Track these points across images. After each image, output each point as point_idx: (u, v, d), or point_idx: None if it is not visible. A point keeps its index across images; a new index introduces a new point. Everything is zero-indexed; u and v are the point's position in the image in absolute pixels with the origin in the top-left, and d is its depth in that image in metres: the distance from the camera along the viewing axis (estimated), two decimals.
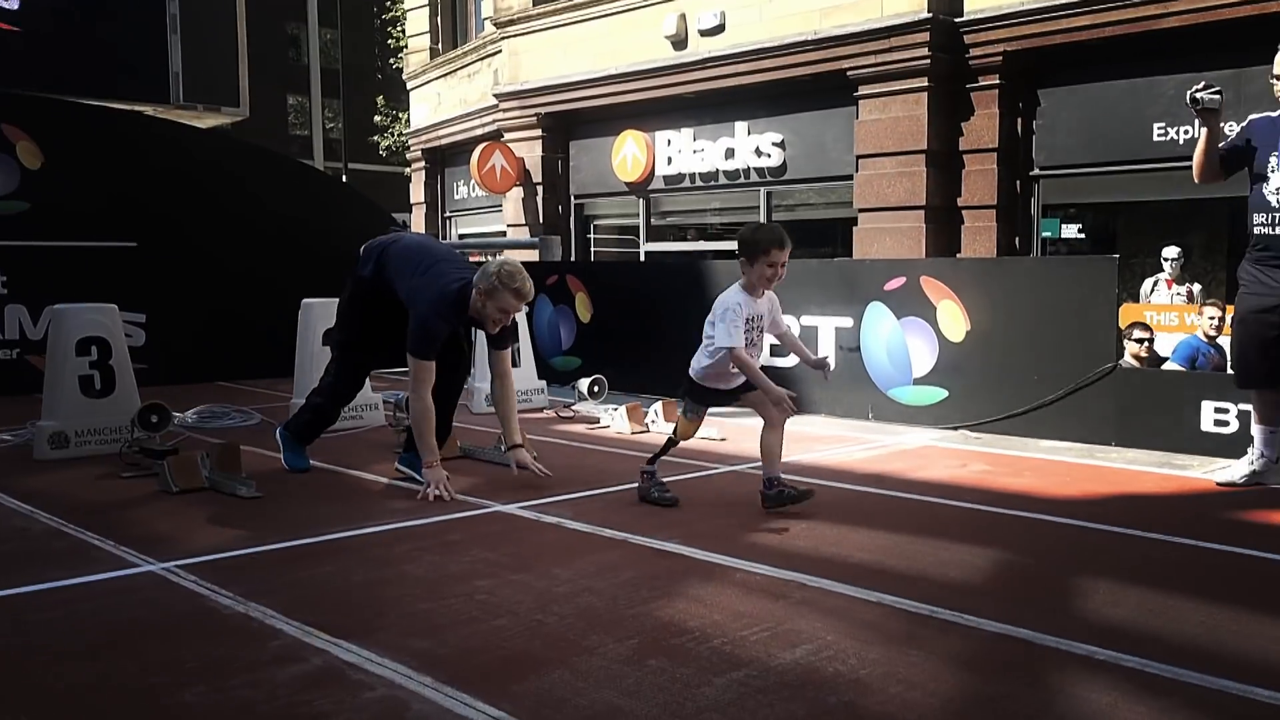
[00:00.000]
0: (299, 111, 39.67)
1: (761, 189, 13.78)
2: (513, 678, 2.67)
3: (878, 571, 3.58)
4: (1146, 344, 7.33)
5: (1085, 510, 4.42)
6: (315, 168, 20.28)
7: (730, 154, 13.87)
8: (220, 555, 3.80)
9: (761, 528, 4.20)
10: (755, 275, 4.34)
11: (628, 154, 14.94)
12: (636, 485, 4.67)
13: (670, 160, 14.60)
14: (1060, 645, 2.87)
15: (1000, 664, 2.76)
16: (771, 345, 6.43)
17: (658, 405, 6.63)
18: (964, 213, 11.54)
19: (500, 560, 3.75)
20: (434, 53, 20.18)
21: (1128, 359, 7.40)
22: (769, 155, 13.43)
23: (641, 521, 4.24)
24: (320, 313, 6.63)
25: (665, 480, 4.68)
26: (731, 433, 6.38)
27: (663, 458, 4.68)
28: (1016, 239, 11.46)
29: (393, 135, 28.60)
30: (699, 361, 4.47)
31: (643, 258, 15.42)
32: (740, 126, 13.75)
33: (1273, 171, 4.62)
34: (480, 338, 6.04)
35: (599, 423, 6.79)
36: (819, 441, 6.19)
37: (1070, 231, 11.78)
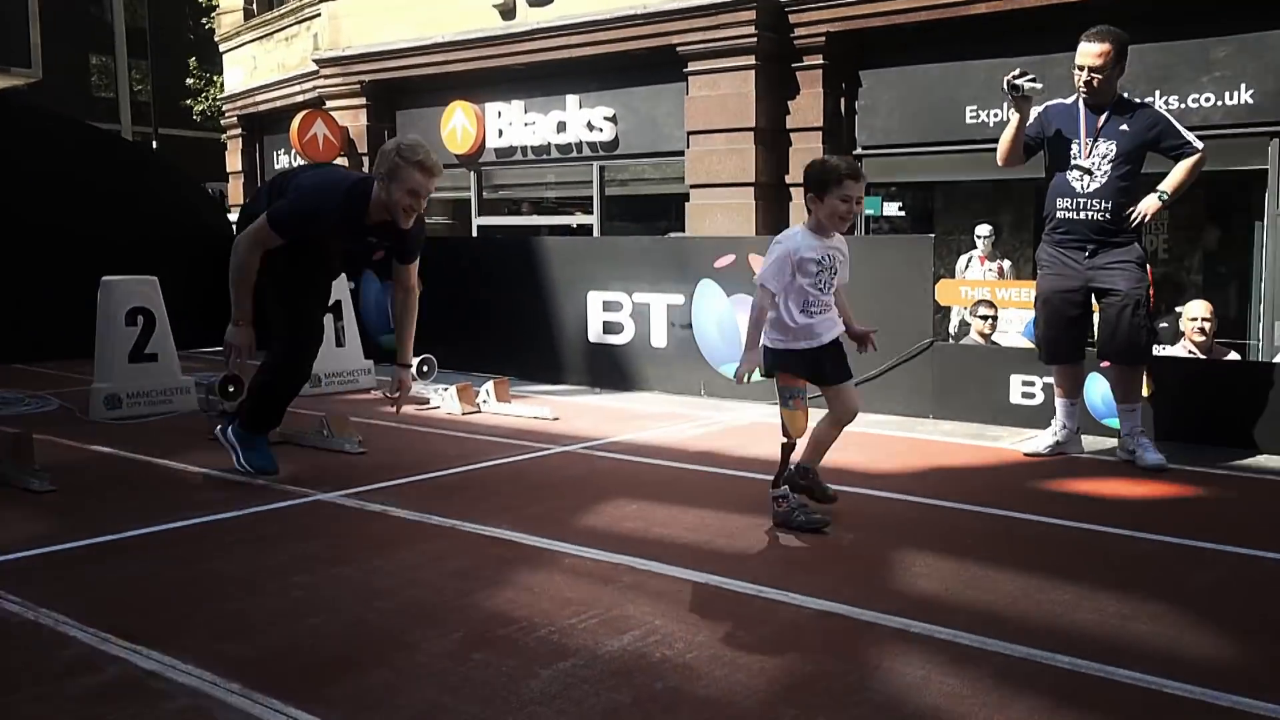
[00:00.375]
0: (103, 72, 37.12)
1: (594, 163, 13.72)
2: (328, 680, 2.55)
3: (707, 552, 3.60)
4: (991, 320, 7.57)
5: (904, 484, 4.58)
6: (118, 134, 19.06)
7: (562, 127, 13.74)
8: (8, 557, 3.50)
9: (593, 510, 4.17)
10: (826, 212, 3.79)
11: (457, 125, 14.62)
12: (772, 514, 3.91)
13: (501, 133, 14.37)
14: (878, 620, 2.94)
15: (822, 641, 2.82)
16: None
17: (489, 385, 6.51)
18: (792, 190, 11.78)
19: (319, 553, 3.60)
20: (249, 13, 19.21)
21: (973, 335, 7.66)
22: (601, 129, 13.38)
23: (471, 507, 4.14)
24: (123, 291, 6.21)
25: (501, 461, 4.57)
26: (564, 411, 6.33)
27: (788, 472, 3.97)
28: None
29: (207, 99, 27.17)
30: (768, 327, 3.88)
31: (475, 233, 15.16)
32: (571, 100, 13.63)
33: (1075, 158, 4.86)
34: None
35: (428, 403, 6.63)
36: (651, 419, 6.21)
37: (892, 209, 12.20)
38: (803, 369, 3.87)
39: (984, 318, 7.58)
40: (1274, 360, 7.96)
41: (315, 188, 4.38)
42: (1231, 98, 9.11)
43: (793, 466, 3.98)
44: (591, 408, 6.57)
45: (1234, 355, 6.65)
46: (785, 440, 3.89)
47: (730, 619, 2.97)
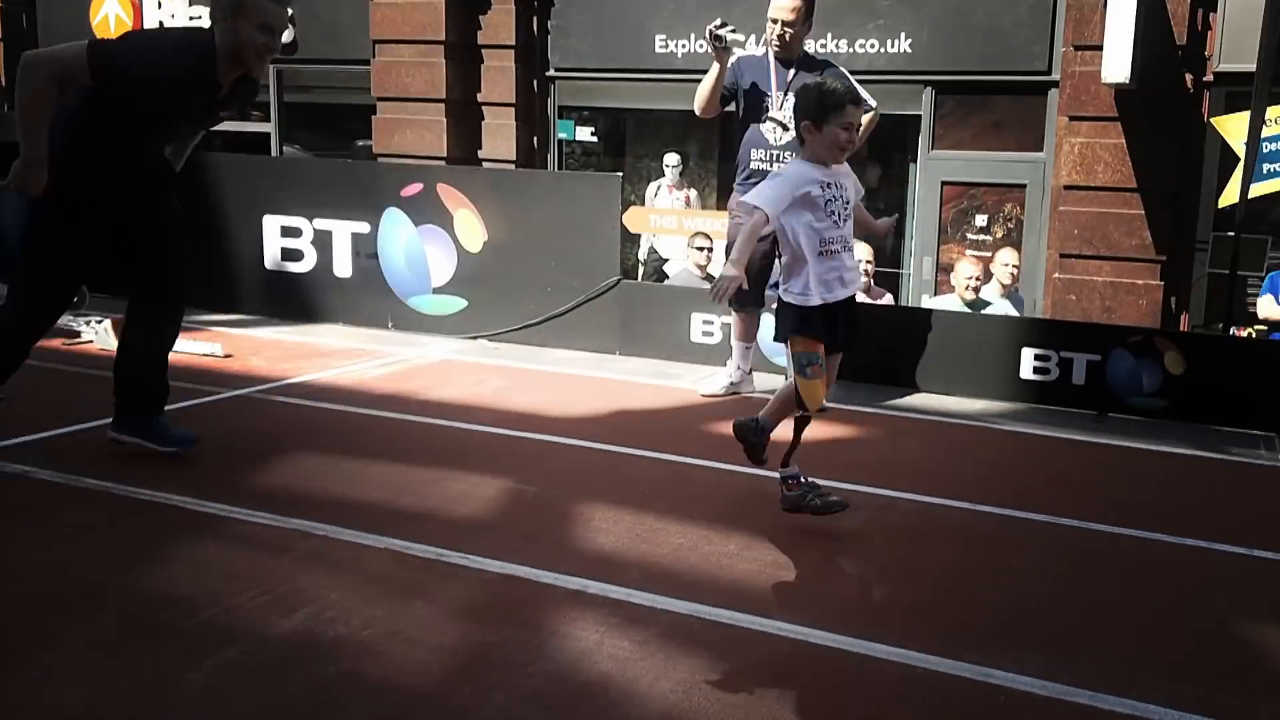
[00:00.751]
0: None
1: (271, 66, 12.79)
2: None
3: (389, 512, 3.52)
4: (707, 252, 7.63)
5: (588, 429, 4.67)
6: None
7: None
8: None
9: (267, 467, 3.97)
10: (825, 142, 3.37)
11: (110, 13, 13.12)
12: (781, 497, 3.51)
13: (162, 25, 13.06)
14: (557, 581, 3.00)
15: (501, 610, 2.84)
16: None
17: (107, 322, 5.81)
18: (484, 109, 11.55)
19: None
20: None
21: (690, 267, 7.70)
22: None
23: (125, 467, 3.81)
24: None
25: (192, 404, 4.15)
26: (238, 347, 5.95)
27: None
28: (535, 139, 11.71)
29: None
30: (782, 277, 3.49)
31: None
32: None
33: (768, 110, 5.05)
34: None
35: (78, 337, 6.01)
36: (334, 356, 5.97)
37: (585, 134, 12.25)
38: (821, 329, 3.43)
39: (700, 249, 7.66)
40: (925, 296, 8.81)
41: (149, 46, 3.66)
42: (893, 46, 9.80)
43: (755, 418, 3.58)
44: (268, 343, 6.21)
45: (888, 298, 7.26)
46: (800, 414, 3.47)
47: (410, 588, 2.93)
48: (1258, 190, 7.78)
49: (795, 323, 3.42)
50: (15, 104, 3.49)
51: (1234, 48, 7.64)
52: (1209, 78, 7.85)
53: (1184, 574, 3.33)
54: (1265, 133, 7.68)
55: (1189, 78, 7.89)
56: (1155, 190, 8.02)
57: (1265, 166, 7.80)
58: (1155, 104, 7.88)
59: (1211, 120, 7.75)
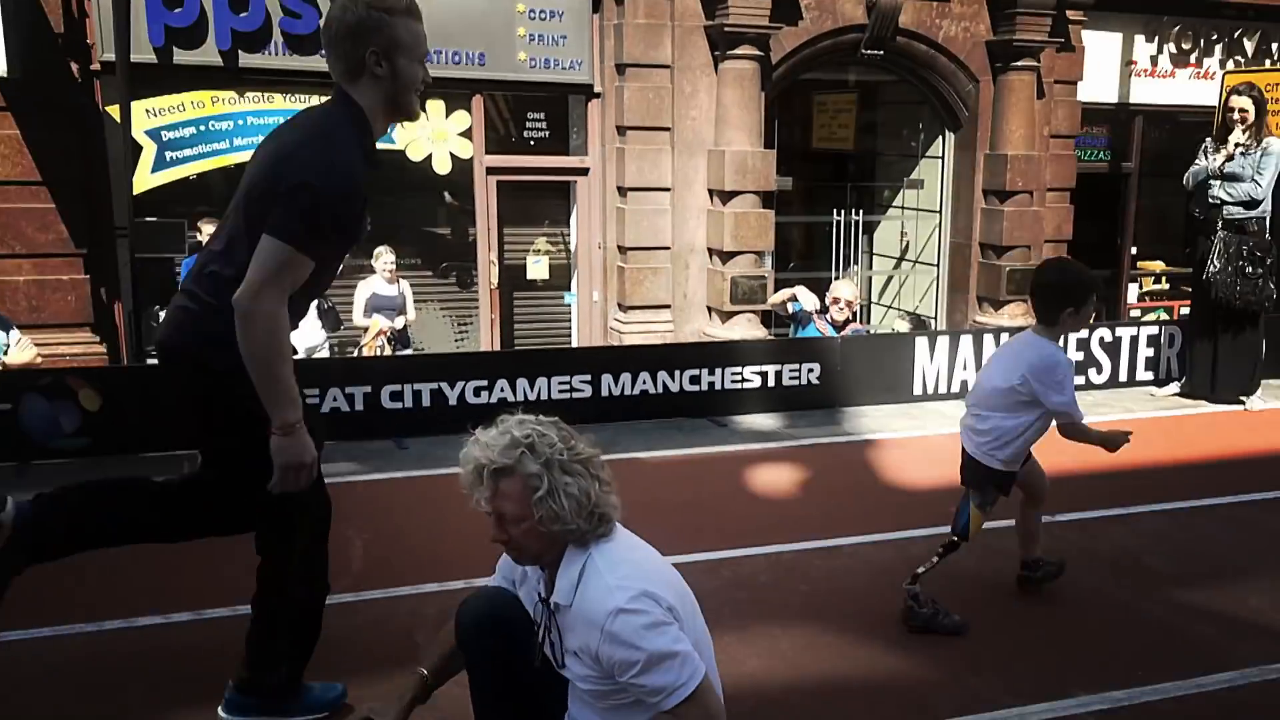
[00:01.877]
0: None
1: None
2: None
3: None
4: None
5: None
6: None
7: None
8: None
9: None
10: (1077, 325, 3.73)
11: None
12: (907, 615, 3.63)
13: None
14: None
15: None
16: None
17: None
18: None
19: None
20: None
21: None
22: None
23: None
24: None
25: None
26: None
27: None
28: None
29: None
30: (1006, 440, 3.59)
31: None
32: None
33: None
34: None
35: None
36: None
37: None
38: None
39: None
40: None
41: (314, 142, 2.56)
42: None
43: (1024, 565, 3.97)
44: None
45: None
46: (959, 539, 3.70)
47: None
48: (160, 179, 8.12)
49: (1002, 481, 3.67)
50: (250, 358, 2.49)
51: (112, 38, 7.64)
52: (96, 66, 7.75)
53: None
54: (159, 123, 8.01)
55: (75, 66, 7.70)
56: (64, 181, 7.75)
57: (168, 155, 8.14)
58: (45, 94, 7.54)
59: (106, 109, 7.73)
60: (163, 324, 2.76)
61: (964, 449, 3.70)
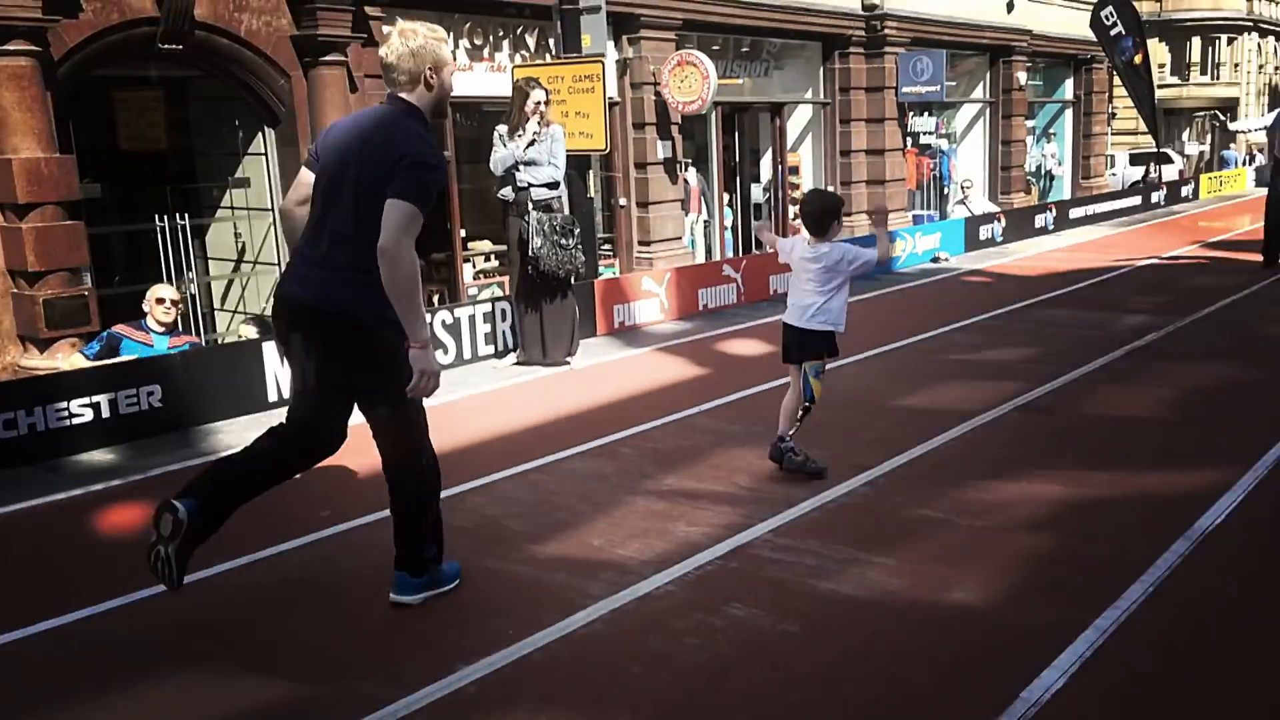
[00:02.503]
0: None
1: None
2: None
3: None
4: None
5: None
6: None
7: None
8: None
9: None
10: (840, 230, 5.09)
11: None
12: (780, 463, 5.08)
13: None
14: None
15: None
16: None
17: None
18: None
19: None
20: None
21: None
22: None
23: None
24: None
25: None
26: None
27: None
28: None
29: None
30: (838, 309, 5.03)
31: None
32: None
33: None
34: None
35: None
36: None
37: None
38: None
39: None
40: None
41: (408, 132, 3.53)
42: None
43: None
44: None
45: None
46: (811, 404, 5.05)
47: None
48: None
49: (835, 346, 5.19)
50: (393, 291, 3.38)
51: None
52: None
53: None
54: None
55: None
56: None
57: None
58: None
59: None
60: (301, 285, 3.55)
61: (797, 329, 5.03)
